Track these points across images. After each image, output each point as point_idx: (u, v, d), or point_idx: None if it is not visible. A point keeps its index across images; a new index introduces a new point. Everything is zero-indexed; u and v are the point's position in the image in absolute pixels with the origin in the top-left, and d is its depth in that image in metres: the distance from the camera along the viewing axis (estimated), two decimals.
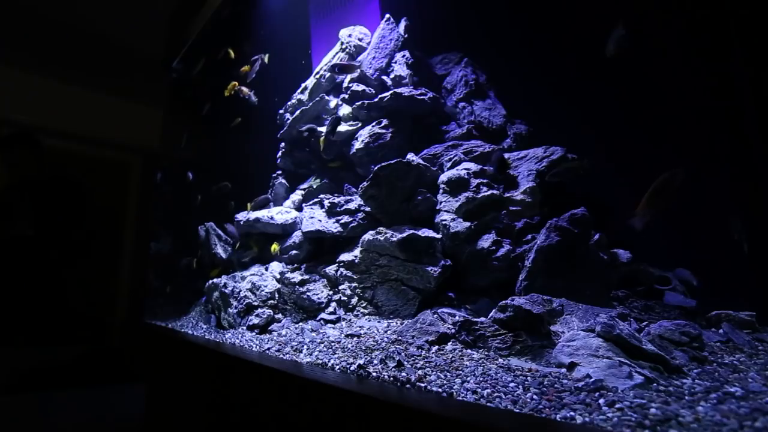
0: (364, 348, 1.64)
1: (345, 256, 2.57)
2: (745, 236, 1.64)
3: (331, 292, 2.54)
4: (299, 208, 3.29)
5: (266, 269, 2.98)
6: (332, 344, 1.79)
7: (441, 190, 2.46)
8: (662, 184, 1.59)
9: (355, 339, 1.83)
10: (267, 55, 3.98)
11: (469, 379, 1.19)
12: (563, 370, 1.25)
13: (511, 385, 1.11)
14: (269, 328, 2.56)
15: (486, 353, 1.49)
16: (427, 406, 0.94)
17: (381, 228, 2.41)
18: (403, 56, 3.17)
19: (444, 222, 2.32)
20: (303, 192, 3.45)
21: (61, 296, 3.98)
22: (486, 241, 2.20)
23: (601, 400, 0.94)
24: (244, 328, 2.63)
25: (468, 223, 2.25)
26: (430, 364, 1.36)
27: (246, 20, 4.46)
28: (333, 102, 3.48)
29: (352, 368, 1.40)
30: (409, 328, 1.77)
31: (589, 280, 1.93)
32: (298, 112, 3.49)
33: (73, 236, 3.82)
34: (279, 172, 3.82)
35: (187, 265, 4.45)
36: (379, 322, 2.19)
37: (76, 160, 5.46)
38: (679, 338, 1.41)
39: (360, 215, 2.72)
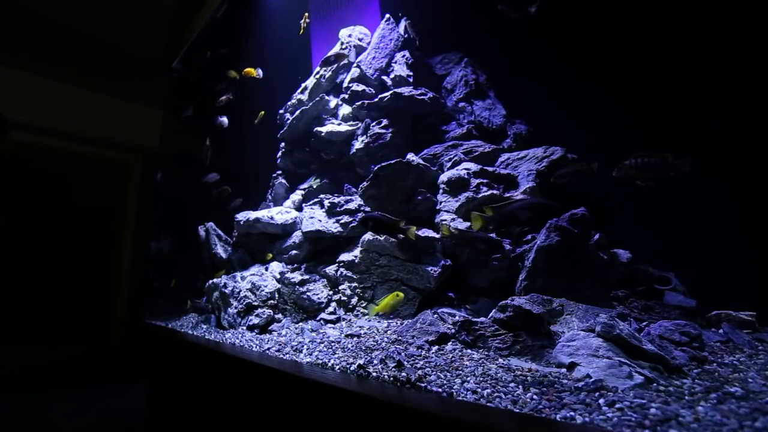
0: (364, 348, 1.64)
1: (345, 256, 2.57)
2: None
3: (331, 292, 2.54)
4: (299, 208, 3.29)
5: (266, 269, 2.98)
6: (332, 344, 1.79)
7: (441, 190, 2.46)
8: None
9: (355, 339, 1.83)
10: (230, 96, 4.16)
11: (469, 379, 1.19)
12: (563, 370, 1.25)
13: (511, 385, 1.11)
14: (269, 328, 2.56)
15: (486, 353, 1.49)
16: (427, 406, 0.94)
17: None
18: (403, 56, 3.17)
19: (444, 222, 2.32)
20: (303, 192, 3.45)
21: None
22: None
23: (601, 400, 0.94)
24: (244, 328, 2.63)
25: (468, 223, 2.25)
26: (430, 364, 1.36)
27: (246, 20, 4.46)
28: (333, 102, 3.48)
29: (352, 368, 1.40)
30: (409, 328, 1.77)
31: (589, 280, 1.93)
32: (298, 112, 3.49)
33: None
34: (279, 172, 3.82)
35: (187, 267, 4.45)
36: (379, 322, 2.19)
37: (76, 160, 5.46)
38: (679, 338, 1.41)
39: (360, 215, 2.72)
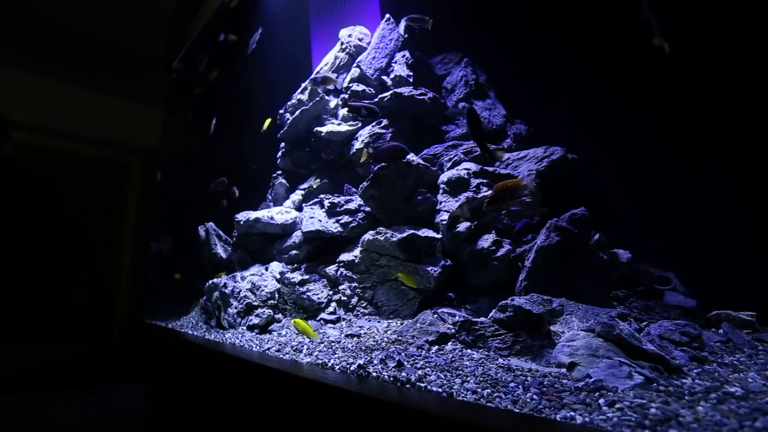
0: (364, 348, 1.64)
1: (345, 256, 2.57)
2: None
3: (331, 292, 2.54)
4: (299, 208, 3.29)
5: (266, 269, 2.98)
6: (332, 344, 1.79)
7: (441, 190, 2.46)
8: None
9: (355, 339, 1.83)
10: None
11: (469, 379, 1.19)
12: (563, 370, 1.25)
13: (511, 385, 1.11)
14: (269, 328, 2.56)
15: (486, 353, 1.49)
16: (427, 406, 0.94)
17: (381, 228, 2.41)
18: (403, 56, 3.17)
19: (444, 222, 2.32)
20: (303, 192, 3.45)
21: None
22: (486, 241, 2.20)
23: (601, 400, 0.94)
24: (244, 328, 2.63)
25: (468, 223, 2.25)
26: (430, 364, 1.36)
27: (246, 20, 4.46)
28: (333, 102, 3.48)
29: (352, 368, 1.40)
30: (409, 328, 1.77)
31: (589, 280, 1.93)
32: (298, 112, 3.49)
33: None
34: (279, 172, 3.82)
35: (187, 267, 4.45)
36: (379, 322, 2.19)
37: (76, 160, 5.46)
38: (679, 338, 1.41)
39: (360, 215, 2.72)
